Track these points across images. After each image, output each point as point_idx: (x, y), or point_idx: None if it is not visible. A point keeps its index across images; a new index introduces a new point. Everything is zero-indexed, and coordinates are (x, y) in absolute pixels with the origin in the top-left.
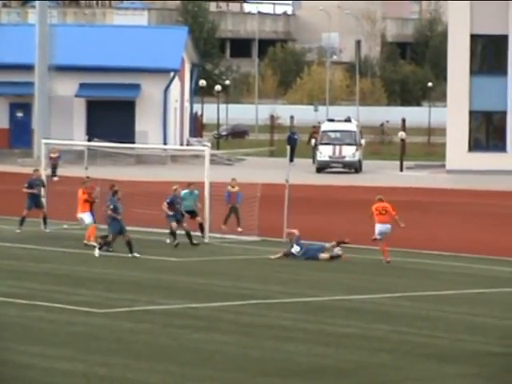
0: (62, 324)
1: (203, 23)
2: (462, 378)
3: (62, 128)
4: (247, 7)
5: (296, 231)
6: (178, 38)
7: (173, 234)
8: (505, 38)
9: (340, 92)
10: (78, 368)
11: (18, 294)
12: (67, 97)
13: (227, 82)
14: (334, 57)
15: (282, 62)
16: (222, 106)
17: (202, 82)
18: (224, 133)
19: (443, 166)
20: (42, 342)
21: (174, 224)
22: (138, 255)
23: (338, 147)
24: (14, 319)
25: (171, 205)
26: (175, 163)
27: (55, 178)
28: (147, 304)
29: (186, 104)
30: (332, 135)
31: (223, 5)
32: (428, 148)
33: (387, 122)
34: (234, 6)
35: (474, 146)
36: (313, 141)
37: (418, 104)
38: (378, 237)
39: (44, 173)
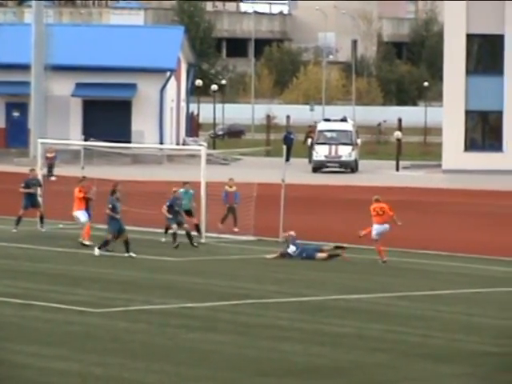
0: (58, 323)
1: (199, 23)
2: (457, 377)
3: (58, 128)
4: (243, 7)
5: (292, 232)
6: (174, 38)
7: (174, 235)
8: (501, 37)
9: (336, 92)
10: (73, 367)
11: (13, 294)
12: (63, 96)
13: (223, 82)
14: (330, 56)
15: (278, 62)
16: (219, 106)
17: (199, 82)
18: (220, 132)
19: (439, 165)
20: (37, 342)
21: (174, 226)
22: (134, 255)
23: (334, 147)
24: (10, 319)
25: (171, 208)
26: (171, 163)
27: (53, 178)
28: (143, 304)
29: (183, 104)
30: (328, 135)
31: (219, 4)
32: (424, 148)
33: (384, 121)
34: (230, 6)
35: (470, 145)
36: (309, 140)
37: (414, 104)
38: (375, 238)
39: (40, 172)
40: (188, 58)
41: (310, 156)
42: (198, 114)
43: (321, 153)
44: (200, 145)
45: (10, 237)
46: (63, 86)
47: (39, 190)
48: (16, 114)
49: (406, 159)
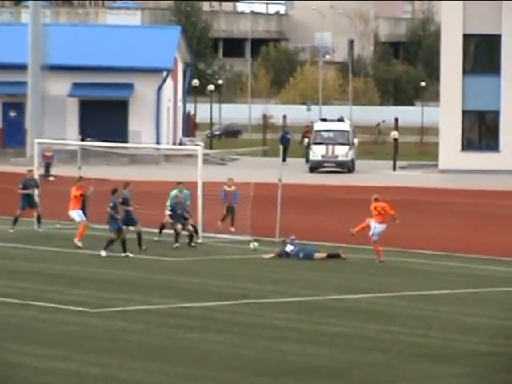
0: (55, 324)
1: (196, 23)
2: (455, 377)
3: (55, 128)
4: (240, 7)
5: (293, 237)
6: (170, 38)
7: (176, 235)
8: (497, 37)
9: (333, 91)
10: (71, 368)
11: (10, 294)
12: (60, 96)
13: (220, 82)
14: (327, 56)
15: (275, 62)
16: (215, 106)
17: (195, 82)
18: (217, 132)
19: (436, 165)
20: (34, 342)
21: (178, 226)
22: (131, 255)
23: (330, 147)
24: (7, 319)
25: (173, 212)
26: (168, 163)
27: (51, 178)
28: (141, 303)
29: (179, 103)
30: (325, 135)
31: (216, 4)
32: (421, 148)
33: (383, 121)
34: (227, 6)
35: (467, 145)
36: (306, 140)
37: (411, 104)
38: (375, 238)
39: (37, 172)
40: (185, 58)
41: (306, 156)
42: (194, 114)
43: (318, 153)
44: (197, 145)
45: (7, 237)
46: (60, 86)
47: (37, 191)
48: (13, 113)
49: (403, 159)
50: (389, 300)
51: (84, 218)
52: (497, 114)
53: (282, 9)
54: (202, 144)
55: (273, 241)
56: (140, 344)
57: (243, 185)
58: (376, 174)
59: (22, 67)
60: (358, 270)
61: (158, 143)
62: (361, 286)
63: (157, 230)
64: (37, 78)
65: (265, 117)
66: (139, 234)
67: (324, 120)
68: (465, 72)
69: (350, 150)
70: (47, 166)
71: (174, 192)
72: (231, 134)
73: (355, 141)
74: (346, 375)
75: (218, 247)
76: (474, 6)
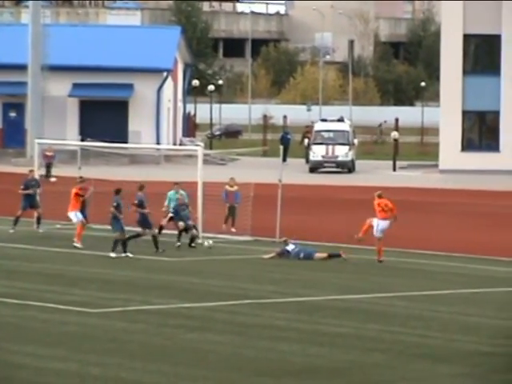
0: (55, 324)
1: (196, 23)
2: (455, 377)
3: (55, 128)
4: (240, 7)
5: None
6: (171, 38)
7: (179, 234)
8: (498, 37)
9: (333, 92)
10: (71, 368)
11: (10, 294)
12: (60, 97)
13: (220, 82)
14: (327, 56)
15: (275, 62)
16: (215, 106)
17: (195, 82)
18: (217, 132)
19: (436, 165)
20: (34, 342)
21: (181, 224)
22: (130, 255)
23: (331, 147)
24: (7, 319)
25: (176, 214)
26: (168, 163)
27: (53, 179)
28: (141, 304)
29: (179, 104)
30: (325, 135)
31: (216, 4)
32: (421, 148)
33: (385, 121)
34: (227, 6)
35: (467, 145)
36: (306, 141)
37: (411, 104)
38: (379, 235)
39: (38, 172)
40: (185, 58)
41: (306, 156)
42: (194, 115)
43: (318, 153)
44: (197, 145)
45: (7, 237)
46: (60, 86)
47: (38, 191)
48: (13, 114)
49: (403, 159)
50: (389, 300)
51: (80, 219)
52: (497, 114)
53: (282, 9)
54: (202, 144)
55: (273, 241)
56: (140, 344)
57: (243, 185)
58: (376, 174)
59: (22, 67)
60: (358, 270)
61: (158, 143)
62: (361, 286)
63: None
64: (37, 78)
65: (265, 117)
66: (155, 237)
67: (324, 120)
68: (465, 72)
69: (350, 150)
70: (48, 166)
71: (171, 193)
72: (231, 134)
73: (355, 141)
74: (346, 375)
75: (217, 247)
76: (474, 6)
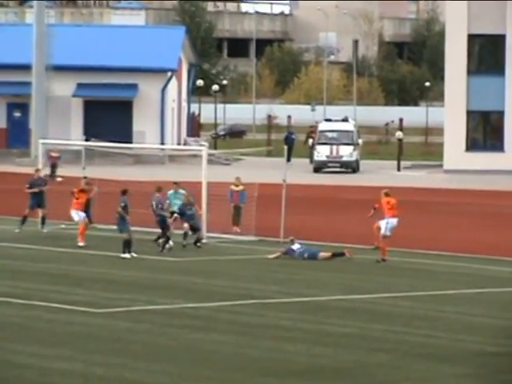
0: (60, 324)
1: (200, 23)
2: (460, 377)
3: (59, 128)
4: (244, 7)
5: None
6: (175, 38)
7: (184, 234)
8: (502, 37)
9: (337, 92)
10: (76, 368)
11: (15, 294)
12: (65, 97)
13: (225, 82)
14: (332, 56)
15: (280, 62)
16: (220, 106)
17: (200, 82)
18: (222, 132)
19: (441, 165)
20: (39, 342)
21: (186, 225)
22: (135, 255)
23: (335, 147)
24: (12, 319)
25: (182, 215)
26: (173, 163)
27: (59, 179)
28: (146, 304)
29: (184, 104)
30: (329, 135)
31: (220, 4)
32: (425, 148)
33: (392, 121)
34: (232, 6)
35: (472, 145)
36: (310, 141)
37: (416, 104)
38: (388, 233)
39: (42, 172)
40: (189, 58)
41: (311, 156)
42: (199, 114)
43: (322, 153)
44: (201, 145)
45: (12, 237)
46: (64, 87)
47: (44, 189)
48: (17, 114)
49: (408, 159)
50: (393, 300)
51: (82, 218)
52: (501, 114)
53: (286, 9)
54: (206, 144)
55: (277, 241)
56: (144, 344)
57: (248, 185)
58: (380, 174)
59: (26, 67)
60: (362, 270)
61: (162, 143)
62: (365, 287)
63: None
64: (41, 78)
65: (269, 117)
66: (168, 238)
67: (328, 120)
68: (469, 72)
69: (354, 150)
70: (53, 167)
71: (170, 193)
72: (236, 134)
73: (360, 141)
74: (351, 375)
75: (221, 247)
76: (478, 6)
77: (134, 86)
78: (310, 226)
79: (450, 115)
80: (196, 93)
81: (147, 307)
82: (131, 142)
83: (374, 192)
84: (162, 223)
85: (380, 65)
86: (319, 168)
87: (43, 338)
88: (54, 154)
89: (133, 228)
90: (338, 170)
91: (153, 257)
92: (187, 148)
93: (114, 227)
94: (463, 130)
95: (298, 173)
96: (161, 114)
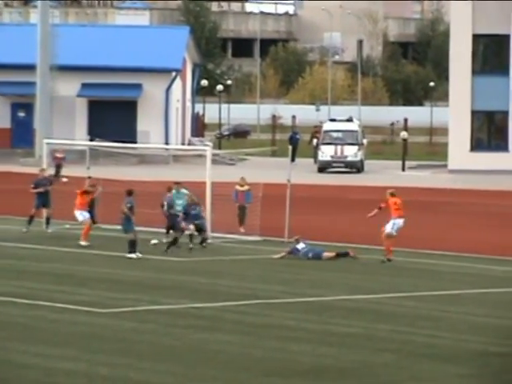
0: (65, 324)
1: (205, 23)
2: (464, 377)
3: (63, 128)
4: (249, 7)
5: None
6: (179, 38)
7: (190, 236)
8: (507, 37)
9: (342, 92)
10: (80, 368)
11: (19, 294)
12: (69, 97)
13: (229, 82)
14: (336, 56)
15: (284, 62)
16: (224, 106)
17: (204, 82)
18: (226, 132)
19: (445, 165)
20: (43, 342)
21: (191, 227)
22: (140, 255)
23: (339, 147)
24: (16, 319)
25: (186, 215)
26: (177, 163)
27: (64, 179)
28: (150, 304)
29: (188, 104)
30: (334, 135)
31: (225, 4)
32: (430, 148)
33: (397, 121)
34: (236, 6)
35: (476, 145)
36: (314, 141)
37: (420, 104)
38: (395, 234)
39: (48, 172)
40: (193, 58)
41: (315, 156)
42: (203, 114)
43: (327, 153)
44: (206, 145)
45: (17, 237)
46: (69, 86)
47: (50, 189)
48: (21, 114)
49: (412, 159)
50: (398, 300)
51: (87, 218)
52: (506, 114)
53: (291, 9)
54: (210, 144)
55: (282, 241)
56: (149, 344)
57: (252, 185)
58: (385, 174)
59: (30, 67)
60: (367, 270)
61: (166, 143)
62: (370, 286)
63: (163, 230)
64: (45, 78)
65: (274, 117)
66: (176, 239)
67: (333, 120)
68: (474, 72)
69: (359, 150)
70: (58, 167)
71: (173, 192)
72: (240, 134)
73: (364, 141)
74: (356, 375)
75: (226, 247)
76: (483, 6)
77: (138, 86)
78: (315, 225)
79: (454, 115)
80: (200, 93)
81: (152, 307)
82: (136, 142)
83: (378, 192)
84: (173, 223)
85: (384, 65)
86: (324, 168)
87: (48, 337)
88: (58, 155)
89: (137, 228)
90: (342, 170)
91: (157, 257)
92: (192, 148)
93: (119, 227)
94: (468, 130)
95: (303, 173)
96: (165, 114)
